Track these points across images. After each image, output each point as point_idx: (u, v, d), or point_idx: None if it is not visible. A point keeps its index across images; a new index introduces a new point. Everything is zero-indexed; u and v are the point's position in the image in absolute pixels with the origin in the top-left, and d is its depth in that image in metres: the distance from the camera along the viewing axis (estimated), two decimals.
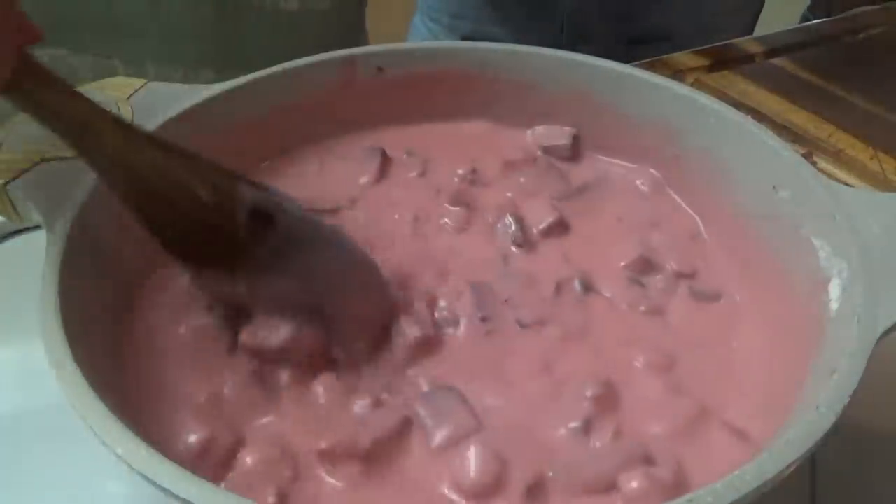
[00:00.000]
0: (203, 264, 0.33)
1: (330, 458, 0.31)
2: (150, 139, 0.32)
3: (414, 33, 0.98)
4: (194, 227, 0.32)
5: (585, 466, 0.31)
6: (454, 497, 0.30)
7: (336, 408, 0.33)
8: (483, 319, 0.36)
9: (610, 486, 0.30)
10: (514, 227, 0.41)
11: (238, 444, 0.31)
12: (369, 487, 0.30)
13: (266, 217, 0.32)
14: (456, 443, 0.31)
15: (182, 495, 0.25)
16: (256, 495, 0.29)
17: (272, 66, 0.44)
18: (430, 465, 0.31)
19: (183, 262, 0.34)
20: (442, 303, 0.37)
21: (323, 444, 0.31)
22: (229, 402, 0.33)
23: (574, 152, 0.47)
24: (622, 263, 0.40)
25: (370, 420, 0.32)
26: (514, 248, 0.41)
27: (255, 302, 0.33)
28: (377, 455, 0.31)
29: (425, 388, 0.34)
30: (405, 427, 0.32)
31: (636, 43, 0.87)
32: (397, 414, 0.32)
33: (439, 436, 0.32)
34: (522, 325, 0.36)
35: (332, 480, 0.30)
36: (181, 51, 0.59)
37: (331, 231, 0.36)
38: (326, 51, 0.45)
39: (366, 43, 0.79)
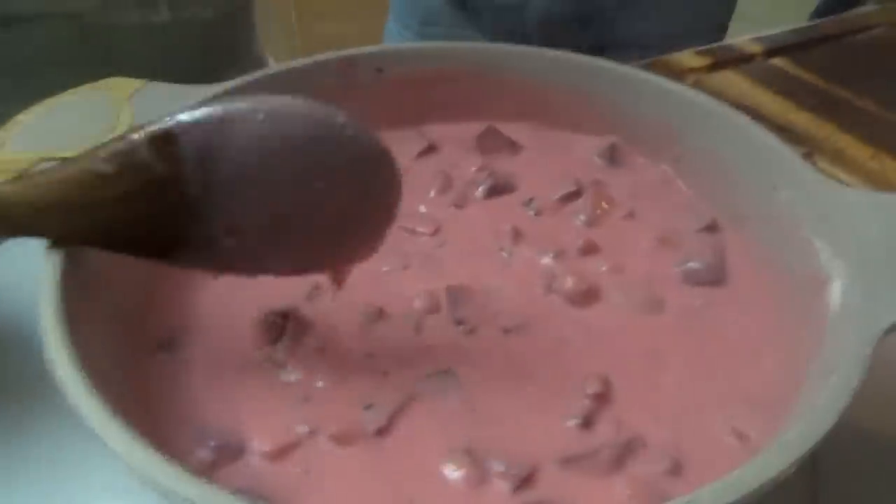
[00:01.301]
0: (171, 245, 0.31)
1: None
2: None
3: (387, 38, 0.98)
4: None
5: (581, 458, 0.31)
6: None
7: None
8: (459, 322, 0.37)
9: (607, 475, 0.30)
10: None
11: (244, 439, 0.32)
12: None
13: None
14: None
15: (183, 495, 0.25)
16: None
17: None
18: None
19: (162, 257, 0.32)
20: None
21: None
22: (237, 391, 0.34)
23: None
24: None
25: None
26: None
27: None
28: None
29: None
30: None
31: (606, 49, 0.87)
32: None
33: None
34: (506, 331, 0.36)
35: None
36: (43, 81, 0.48)
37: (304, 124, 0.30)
38: (212, 61, 0.43)
39: (257, 51, 0.77)
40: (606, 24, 0.85)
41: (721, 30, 0.92)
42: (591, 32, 0.86)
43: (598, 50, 0.87)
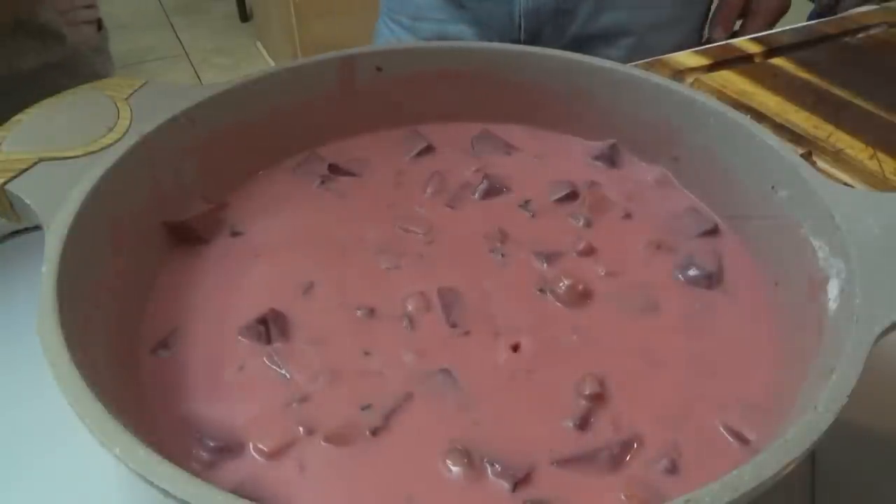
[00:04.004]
0: None
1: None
2: None
3: (377, 37, 0.98)
4: None
5: (578, 458, 0.31)
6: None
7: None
8: (453, 324, 0.36)
9: (605, 475, 0.30)
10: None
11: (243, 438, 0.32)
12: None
13: None
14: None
15: (180, 496, 0.25)
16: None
17: None
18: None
19: None
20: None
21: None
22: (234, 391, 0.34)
23: None
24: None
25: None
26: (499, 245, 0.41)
27: None
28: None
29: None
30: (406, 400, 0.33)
31: (592, 39, 0.88)
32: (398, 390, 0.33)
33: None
34: (500, 332, 0.36)
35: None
36: None
37: None
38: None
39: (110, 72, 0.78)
40: (592, 13, 0.86)
41: (703, 20, 0.93)
42: (578, 22, 0.87)
43: (584, 39, 0.88)
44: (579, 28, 0.87)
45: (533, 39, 0.87)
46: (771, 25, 0.86)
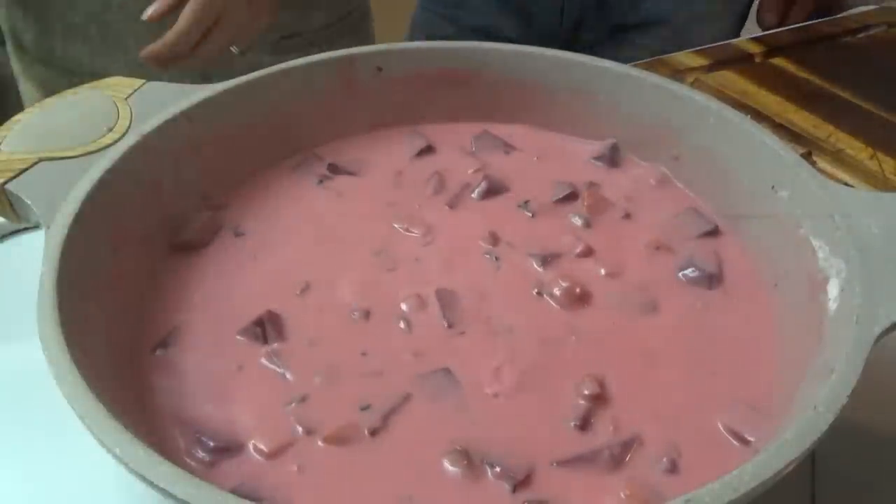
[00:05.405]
0: None
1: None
2: None
3: (413, 26, 0.98)
4: None
5: (579, 458, 0.31)
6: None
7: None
8: (450, 324, 0.37)
9: (605, 475, 0.30)
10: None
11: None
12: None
13: None
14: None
15: (180, 496, 0.25)
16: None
17: None
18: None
19: None
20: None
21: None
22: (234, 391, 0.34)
23: None
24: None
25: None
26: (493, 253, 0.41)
27: None
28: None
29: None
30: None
31: (631, 29, 0.88)
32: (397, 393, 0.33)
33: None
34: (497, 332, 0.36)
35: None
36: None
37: None
38: None
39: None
40: (631, 3, 0.86)
41: (739, 19, 0.93)
42: (616, 12, 0.87)
43: (623, 28, 0.89)
44: (621, 17, 0.88)
45: (575, 28, 0.88)
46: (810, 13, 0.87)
